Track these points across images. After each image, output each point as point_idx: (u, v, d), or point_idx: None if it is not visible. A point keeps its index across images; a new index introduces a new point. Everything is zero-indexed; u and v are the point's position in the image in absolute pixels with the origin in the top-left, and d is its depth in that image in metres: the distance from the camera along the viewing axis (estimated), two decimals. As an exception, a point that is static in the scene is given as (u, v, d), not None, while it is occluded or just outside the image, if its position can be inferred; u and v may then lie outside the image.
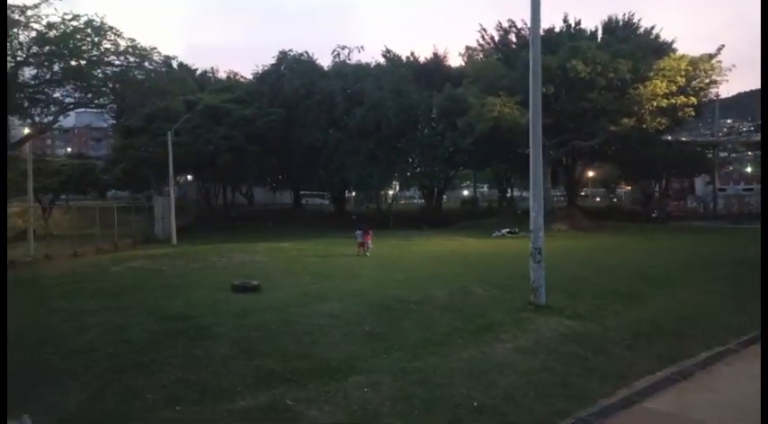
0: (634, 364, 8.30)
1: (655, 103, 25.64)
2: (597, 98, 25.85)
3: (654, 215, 38.80)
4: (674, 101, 25.78)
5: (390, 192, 48.22)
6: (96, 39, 17.10)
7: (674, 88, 25.75)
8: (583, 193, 48.02)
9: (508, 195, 49.58)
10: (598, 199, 55.27)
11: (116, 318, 9.21)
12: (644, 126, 26.51)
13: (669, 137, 29.75)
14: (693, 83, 27.15)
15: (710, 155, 42.24)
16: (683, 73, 25.82)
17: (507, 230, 27.01)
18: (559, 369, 7.99)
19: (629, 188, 52.71)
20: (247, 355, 7.67)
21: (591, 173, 43.43)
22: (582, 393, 7.20)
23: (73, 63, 17.75)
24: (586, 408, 6.79)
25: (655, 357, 8.63)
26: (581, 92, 25.95)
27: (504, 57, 30.91)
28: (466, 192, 69.43)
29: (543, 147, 28.30)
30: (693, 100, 26.56)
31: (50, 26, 16.30)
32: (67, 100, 19.69)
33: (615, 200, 50.24)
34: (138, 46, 18.12)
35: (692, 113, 27.72)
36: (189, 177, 43.82)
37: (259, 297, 11.03)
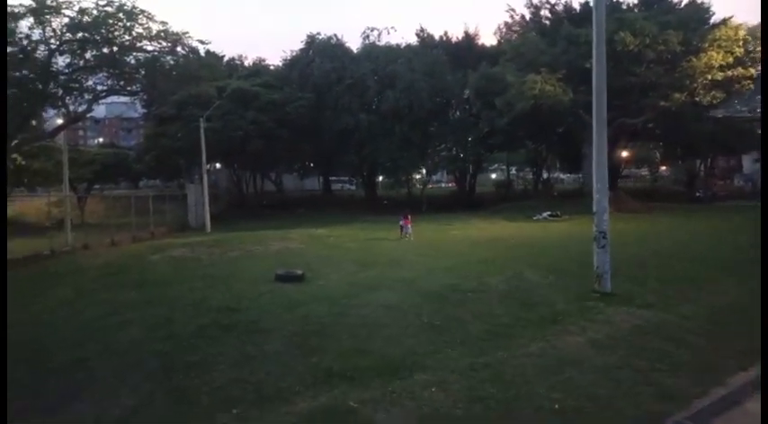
0: (722, 358, 7.48)
1: (709, 76, 24.09)
2: (645, 72, 24.40)
3: (698, 194, 37.08)
4: (730, 73, 24.18)
5: (417, 176, 47.37)
6: (128, 24, 16.70)
7: (730, 59, 24.15)
8: (624, 174, 46.27)
9: (543, 177, 48.07)
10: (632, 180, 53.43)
11: (161, 311, 8.80)
12: (697, 99, 24.96)
13: (719, 113, 28.21)
14: (751, 53, 25.38)
15: (760, 131, 39.91)
16: (740, 43, 24.18)
17: (549, 213, 26.00)
18: (641, 365, 7.22)
19: (668, 167, 50.64)
20: (302, 351, 7.14)
21: (632, 153, 41.73)
22: (672, 392, 6.43)
23: (105, 50, 17.41)
24: (681, 410, 6.04)
25: (743, 350, 7.77)
26: (628, 67, 24.52)
27: (542, 32, 29.46)
28: (494, 175, 67.98)
29: (585, 127, 27.05)
30: (752, 71, 24.87)
31: (82, 12, 15.95)
32: (100, 87, 19.42)
33: (657, 181, 48.28)
34: (170, 30, 17.70)
35: (751, 86, 26.01)
36: (217, 165, 43.78)
37: (305, 288, 10.51)
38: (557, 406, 5.97)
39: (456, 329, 8.27)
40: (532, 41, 27.34)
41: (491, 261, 13.22)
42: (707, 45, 24.11)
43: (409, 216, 19.16)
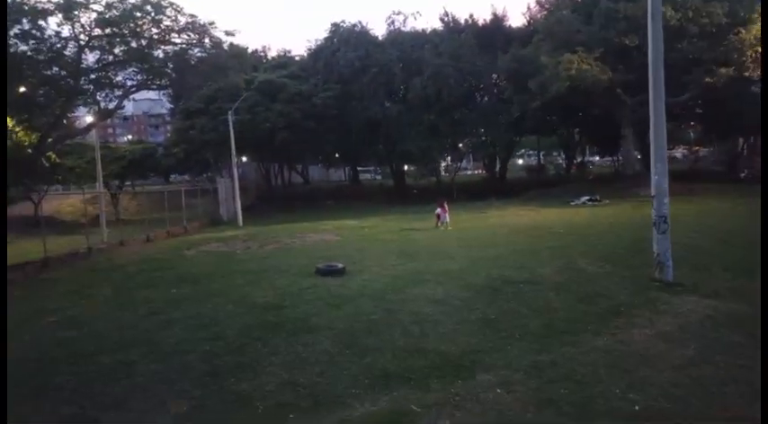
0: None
1: (759, 49, 22.74)
2: (688, 47, 23.19)
3: (742, 175, 35.44)
4: (782, 43, 22.74)
5: (443, 164, 46.63)
6: (156, 17, 16.49)
7: (781, 29, 22.67)
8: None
9: (577, 160, 46.70)
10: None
11: (203, 309, 8.51)
12: (746, 74, 23.61)
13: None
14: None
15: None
16: (792, 10, 22.69)
17: (587, 198, 25.10)
18: (721, 361, 6.60)
19: (703, 147, 48.65)
20: (355, 351, 6.73)
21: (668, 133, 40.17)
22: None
23: (134, 44, 17.25)
24: (779, 412, 5.42)
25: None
26: (669, 42, 23.27)
27: (576, 10, 28.18)
28: (520, 161, 66.69)
29: (624, 107, 25.94)
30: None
31: (109, 6, 15.76)
32: (129, 82, 19.32)
33: (697, 161, 46.41)
34: (198, 22, 17.43)
35: None
36: (244, 158, 43.78)
37: (348, 282, 10.11)
38: (636, 408, 5.45)
39: (513, 324, 7.76)
40: (567, 20, 26.17)
41: (538, 250, 12.63)
42: (756, 15, 22.69)
43: (446, 205, 18.54)
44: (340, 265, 11.11)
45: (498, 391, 5.78)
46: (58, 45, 15.58)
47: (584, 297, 8.93)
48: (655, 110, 9.76)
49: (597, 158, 54.52)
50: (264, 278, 10.92)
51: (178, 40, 17.70)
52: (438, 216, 18.32)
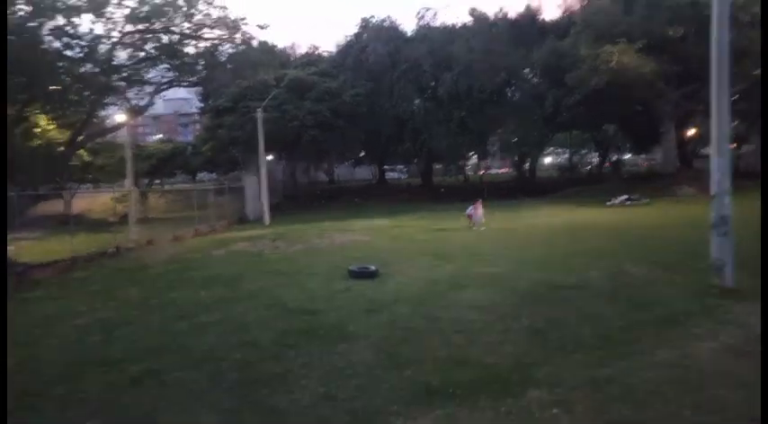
0: None
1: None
2: (737, 37, 21.89)
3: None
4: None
5: (469, 163, 45.78)
6: (188, 11, 16.28)
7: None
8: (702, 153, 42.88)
9: (612, 158, 45.17)
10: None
11: (233, 313, 8.15)
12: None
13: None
14: None
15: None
16: None
17: (625, 197, 24.11)
18: (800, 379, 5.95)
19: (744, 145, 46.61)
20: (394, 362, 6.26)
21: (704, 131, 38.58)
22: None
23: (165, 40, 17.10)
24: None
25: None
26: (715, 32, 22.10)
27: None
28: (548, 159, 65.17)
29: (667, 101, 24.73)
30: None
31: (142, 2, 15.59)
32: (160, 80, 19.20)
33: (740, 159, 44.52)
34: (230, 17, 17.20)
35: None
36: (269, 157, 43.70)
37: (382, 286, 9.65)
38: (713, 434, 4.86)
39: (563, 334, 7.19)
40: (607, 9, 25.04)
41: (582, 253, 11.97)
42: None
43: (480, 204, 17.87)
44: (373, 267, 10.66)
45: (555, 411, 5.24)
46: (91, 42, 15.46)
47: (637, 305, 8.30)
48: (718, 102, 9.08)
49: (629, 156, 52.86)
50: (295, 280, 10.55)
51: (209, 36, 17.51)
52: (470, 216, 17.68)
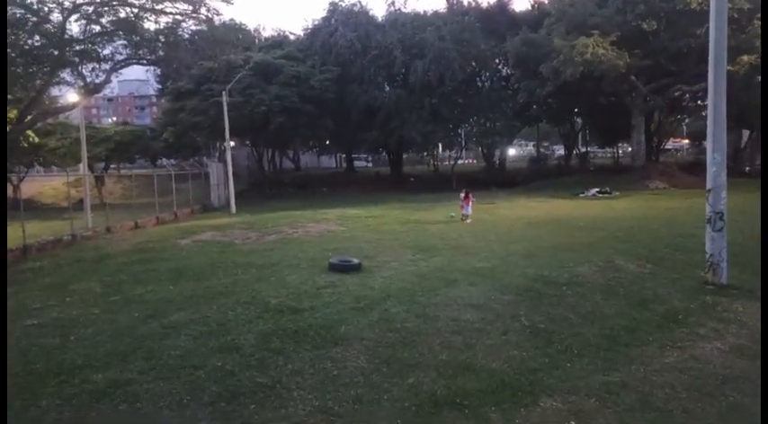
0: None
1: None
2: (708, 33, 22.13)
3: (747, 169, 34.85)
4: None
5: (436, 153, 45.44)
6: (148, -19, 15.13)
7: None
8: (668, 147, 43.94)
9: (578, 151, 45.63)
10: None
11: (209, 312, 7.40)
12: (768, 63, 22.65)
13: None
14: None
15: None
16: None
17: (597, 190, 24.23)
18: (816, 381, 5.71)
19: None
20: (393, 368, 5.71)
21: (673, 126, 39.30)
22: None
23: (122, 14, 15.84)
24: None
25: None
26: (687, 28, 22.35)
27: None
28: (512, 151, 65.83)
29: (638, 94, 24.87)
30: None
31: (98, -30, 14.36)
32: (118, 57, 17.86)
33: (701, 154, 45.81)
34: (192, -9, 16.04)
35: None
36: (232, 143, 42.29)
37: (368, 280, 9.06)
38: (743, 447, 4.52)
39: (567, 334, 6.80)
40: (581, 2, 24.90)
41: (568, 247, 11.68)
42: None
43: (470, 196, 17.05)
44: (356, 260, 10.05)
45: (572, 423, 4.82)
46: (41, 13, 14.11)
47: (636, 302, 8.02)
48: (715, 98, 8.86)
49: (595, 148, 53.76)
50: (273, 273, 9.83)
51: (171, 10, 16.28)
52: (462, 207, 16.98)
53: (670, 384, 5.52)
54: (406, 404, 5.02)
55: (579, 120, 40.09)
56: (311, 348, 6.05)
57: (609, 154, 52.08)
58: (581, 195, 24.14)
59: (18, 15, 13.87)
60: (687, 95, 28.59)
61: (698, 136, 46.06)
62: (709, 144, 9.06)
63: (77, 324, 7.17)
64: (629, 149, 37.22)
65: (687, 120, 41.19)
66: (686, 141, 53.00)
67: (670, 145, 49.13)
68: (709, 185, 8.92)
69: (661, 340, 6.67)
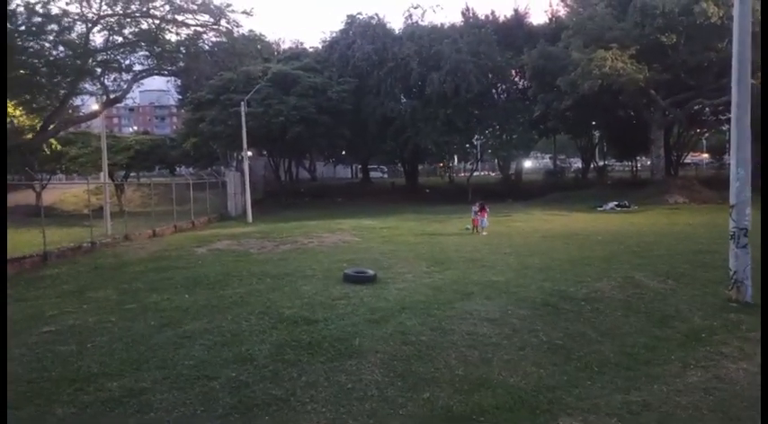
0: None
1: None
2: (730, 47, 21.90)
3: (766, 183, 34.02)
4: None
5: (451, 164, 45.28)
6: (168, -7, 15.36)
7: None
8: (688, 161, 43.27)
9: (597, 164, 45.16)
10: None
11: (224, 322, 7.40)
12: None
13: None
14: None
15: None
16: None
17: (615, 203, 23.92)
18: None
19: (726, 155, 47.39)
20: (408, 382, 5.62)
21: (693, 139, 38.71)
22: None
23: (144, 25, 16.12)
24: None
25: None
26: (707, 42, 22.10)
27: (610, 5, 26.74)
28: (528, 163, 65.51)
29: (657, 108, 24.64)
30: None
31: (120, -18, 14.63)
32: (138, 67, 18.17)
33: (723, 168, 45.07)
34: (214, 2, 16.26)
35: None
36: (249, 153, 42.62)
37: (382, 292, 9.00)
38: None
39: (585, 351, 6.65)
40: (600, 15, 24.79)
41: (586, 261, 11.51)
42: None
43: (486, 208, 16.91)
44: (371, 272, 10.01)
45: (594, 444, 4.70)
46: (65, 23, 14.41)
47: (656, 319, 7.84)
48: (739, 110, 8.72)
49: (613, 162, 53.24)
50: (288, 283, 9.82)
51: (192, 22, 16.54)
52: (475, 221, 16.83)
53: (694, 405, 5.36)
54: (422, 420, 4.95)
55: (597, 133, 39.77)
56: (325, 360, 6.00)
57: (627, 168, 51.52)
58: (599, 208, 23.86)
59: (41, 22, 14.14)
60: (707, 109, 28.25)
61: (718, 151, 45.33)
62: (732, 158, 8.88)
63: (93, 332, 7.21)
64: (648, 162, 36.91)
65: (707, 134, 40.59)
66: (706, 155, 52.26)
67: (689, 159, 48.45)
68: (732, 200, 8.75)
69: (683, 358, 6.50)
